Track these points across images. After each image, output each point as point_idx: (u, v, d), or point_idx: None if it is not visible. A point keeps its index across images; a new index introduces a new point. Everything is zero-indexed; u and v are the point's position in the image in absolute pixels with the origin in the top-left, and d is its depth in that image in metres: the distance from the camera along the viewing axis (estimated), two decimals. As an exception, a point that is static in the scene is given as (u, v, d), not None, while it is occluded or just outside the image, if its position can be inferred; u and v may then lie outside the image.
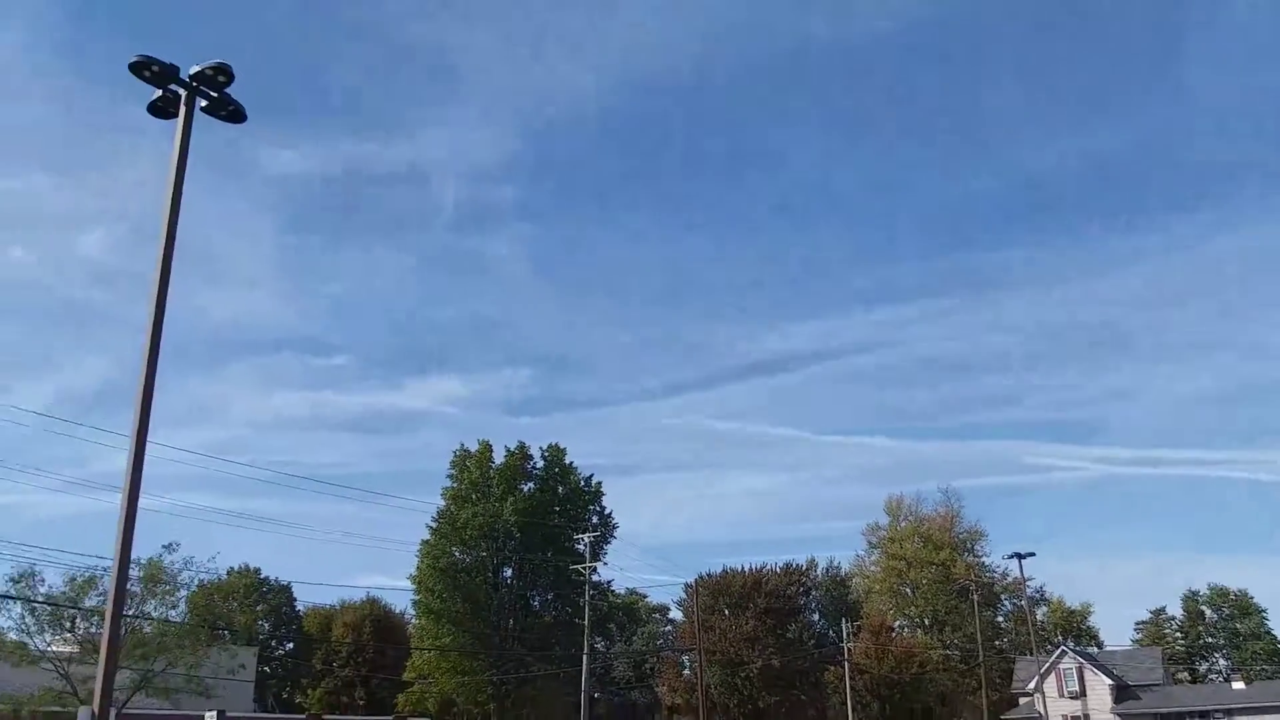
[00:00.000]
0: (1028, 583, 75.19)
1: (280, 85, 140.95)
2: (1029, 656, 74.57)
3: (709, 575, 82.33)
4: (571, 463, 74.22)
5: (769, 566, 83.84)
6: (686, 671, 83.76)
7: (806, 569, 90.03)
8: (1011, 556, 64.73)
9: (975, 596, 78.42)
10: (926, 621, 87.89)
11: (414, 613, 73.95)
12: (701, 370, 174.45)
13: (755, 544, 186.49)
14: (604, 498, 74.91)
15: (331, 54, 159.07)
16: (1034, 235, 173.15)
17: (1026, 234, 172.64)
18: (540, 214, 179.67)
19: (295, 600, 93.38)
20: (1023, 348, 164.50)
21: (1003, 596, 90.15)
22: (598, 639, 78.26)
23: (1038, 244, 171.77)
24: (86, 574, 34.50)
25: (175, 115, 16.45)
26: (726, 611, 79.99)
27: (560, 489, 73.21)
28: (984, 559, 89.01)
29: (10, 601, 33.81)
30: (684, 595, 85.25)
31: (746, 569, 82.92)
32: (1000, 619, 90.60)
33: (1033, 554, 63.94)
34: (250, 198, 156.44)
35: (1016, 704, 75.21)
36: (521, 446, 73.09)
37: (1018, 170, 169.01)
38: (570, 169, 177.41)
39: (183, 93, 16.29)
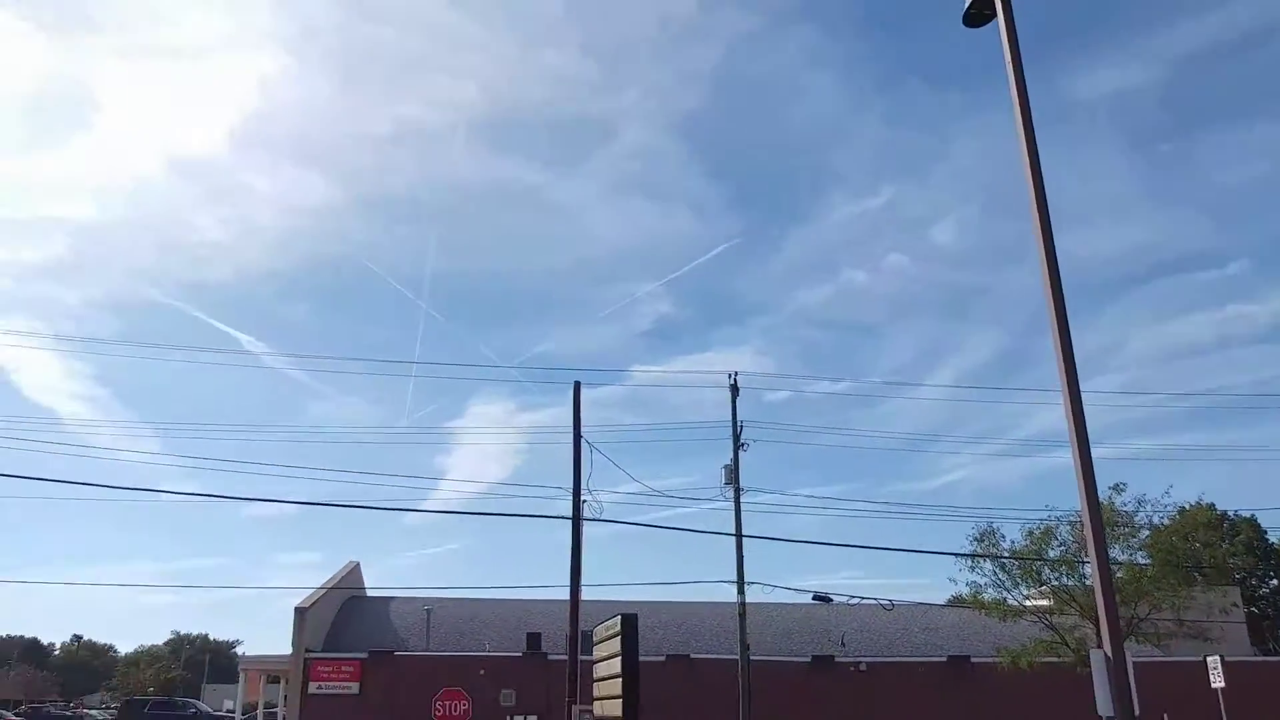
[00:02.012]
0: None
1: (1060, 9, 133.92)
2: None
3: None
4: None
5: None
6: None
7: None
8: None
9: None
10: None
11: None
12: None
13: None
14: None
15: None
16: None
17: None
18: None
19: (1264, 532, 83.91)
20: None
21: None
22: None
23: None
24: (1042, 526, 34.73)
25: (991, 15, 15.11)
26: None
27: None
28: None
29: (980, 560, 35.52)
30: None
31: None
32: None
33: None
34: (1082, 129, 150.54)
35: None
36: None
37: None
38: None
39: (995, -12, 14.84)
